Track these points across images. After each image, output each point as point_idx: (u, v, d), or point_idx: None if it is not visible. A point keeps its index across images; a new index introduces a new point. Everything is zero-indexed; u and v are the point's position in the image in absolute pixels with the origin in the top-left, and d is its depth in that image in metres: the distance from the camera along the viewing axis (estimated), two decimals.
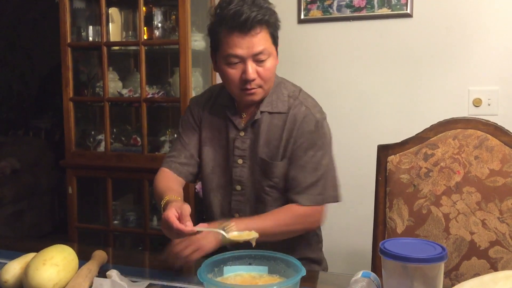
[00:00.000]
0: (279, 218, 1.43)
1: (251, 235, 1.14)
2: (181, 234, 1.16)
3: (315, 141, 1.46)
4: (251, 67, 1.37)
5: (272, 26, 1.39)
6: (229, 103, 1.52)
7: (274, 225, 1.40)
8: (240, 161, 1.50)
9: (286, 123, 1.47)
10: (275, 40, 1.42)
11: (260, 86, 1.41)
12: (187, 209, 1.18)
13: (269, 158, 1.48)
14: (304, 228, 1.49)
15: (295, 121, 1.46)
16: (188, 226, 1.14)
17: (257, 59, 1.38)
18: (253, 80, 1.38)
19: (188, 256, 1.23)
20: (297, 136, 1.46)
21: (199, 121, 1.56)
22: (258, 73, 1.39)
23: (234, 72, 1.39)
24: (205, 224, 1.19)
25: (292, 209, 1.45)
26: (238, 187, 1.51)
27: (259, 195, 1.50)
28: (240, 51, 1.36)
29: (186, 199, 2.30)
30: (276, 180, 1.48)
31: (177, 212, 1.18)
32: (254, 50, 1.36)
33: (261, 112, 1.48)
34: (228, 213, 1.53)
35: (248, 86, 1.40)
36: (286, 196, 1.48)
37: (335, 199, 1.49)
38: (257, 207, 1.51)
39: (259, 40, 1.36)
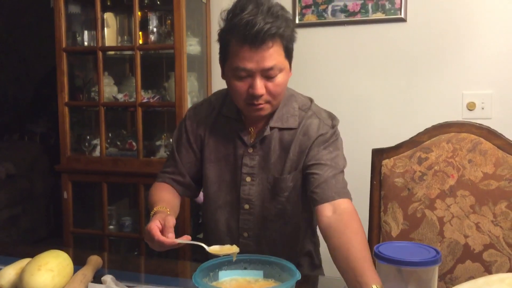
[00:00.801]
0: (361, 233, 1.20)
1: (232, 250, 1.11)
2: (162, 245, 1.13)
3: (335, 145, 1.39)
4: (259, 82, 1.27)
5: (286, 38, 1.28)
6: (236, 115, 1.42)
7: (366, 243, 1.17)
8: (248, 179, 1.42)
9: (296, 135, 1.39)
10: (288, 54, 1.31)
11: (268, 102, 1.32)
12: (170, 220, 1.14)
13: (280, 174, 1.40)
14: None
15: (308, 132, 1.38)
16: (170, 237, 1.12)
17: (267, 75, 1.27)
18: (261, 96, 1.29)
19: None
20: (315, 142, 1.37)
21: (199, 139, 1.47)
22: (267, 88, 1.29)
23: (241, 85, 1.29)
24: (188, 237, 1.14)
25: (351, 212, 1.27)
26: (246, 206, 1.43)
27: (269, 214, 1.43)
28: (249, 65, 1.25)
29: (183, 205, 2.30)
30: (286, 195, 1.41)
31: (161, 223, 1.15)
32: (264, 66, 1.25)
33: (271, 128, 1.39)
34: (236, 232, 1.46)
35: (255, 102, 1.30)
36: (316, 200, 1.31)
37: None
38: (267, 227, 1.45)
39: (270, 55, 1.25)
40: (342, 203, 1.28)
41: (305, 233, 1.54)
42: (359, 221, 1.23)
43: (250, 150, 1.41)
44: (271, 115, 1.39)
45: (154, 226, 1.13)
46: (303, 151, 1.38)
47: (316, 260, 1.61)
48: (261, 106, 1.31)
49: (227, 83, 1.35)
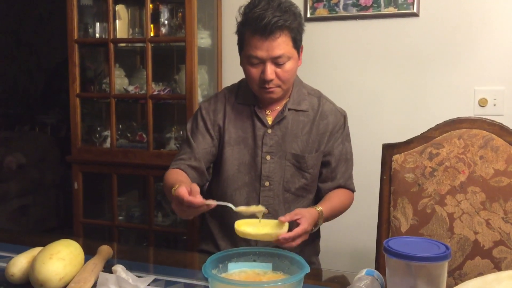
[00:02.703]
0: (342, 200, 1.58)
1: (258, 209, 1.20)
2: (192, 206, 1.19)
3: (347, 133, 1.63)
4: (270, 68, 1.45)
5: (293, 30, 1.45)
6: (254, 101, 1.58)
7: (339, 206, 1.56)
8: (268, 157, 1.56)
9: (315, 119, 1.58)
10: (296, 44, 1.48)
11: (278, 86, 1.49)
12: (196, 187, 1.22)
13: (301, 152, 1.56)
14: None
15: (327, 117, 1.59)
16: (198, 198, 1.18)
17: (276, 62, 1.45)
18: (271, 80, 1.47)
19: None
20: (333, 131, 1.59)
21: (217, 126, 1.59)
22: (276, 74, 1.47)
23: (254, 71, 1.48)
24: (214, 200, 1.23)
25: (348, 193, 1.62)
26: (267, 183, 1.56)
27: (287, 189, 1.57)
28: (260, 53, 1.44)
29: None
30: (311, 171, 1.58)
31: (187, 189, 1.21)
32: (273, 54, 1.43)
33: (289, 109, 1.57)
34: None
35: (267, 86, 1.48)
36: (327, 185, 1.61)
37: None
38: (286, 201, 1.58)
39: (279, 45, 1.43)
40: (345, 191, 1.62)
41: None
42: (347, 199, 1.61)
43: (269, 131, 1.56)
44: (286, 98, 1.57)
45: (183, 189, 1.20)
46: (323, 134, 1.58)
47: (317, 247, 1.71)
48: (272, 89, 1.50)
49: (243, 69, 1.53)
